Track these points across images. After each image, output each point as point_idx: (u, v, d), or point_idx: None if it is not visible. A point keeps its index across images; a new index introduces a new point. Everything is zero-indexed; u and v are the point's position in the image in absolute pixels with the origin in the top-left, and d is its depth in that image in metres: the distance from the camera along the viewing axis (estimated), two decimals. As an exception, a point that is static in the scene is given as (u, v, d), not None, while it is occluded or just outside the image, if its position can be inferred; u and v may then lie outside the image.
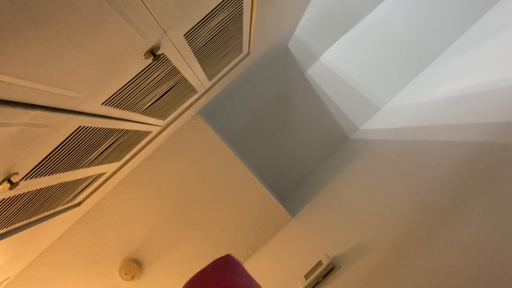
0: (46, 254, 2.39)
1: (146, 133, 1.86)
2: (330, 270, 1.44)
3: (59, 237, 2.40)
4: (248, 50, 2.04)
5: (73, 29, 0.67)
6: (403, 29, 3.26)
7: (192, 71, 1.53)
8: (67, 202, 1.75)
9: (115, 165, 1.89)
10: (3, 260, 1.66)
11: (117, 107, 1.20)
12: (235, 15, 1.35)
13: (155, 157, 2.50)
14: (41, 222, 1.56)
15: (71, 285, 2.42)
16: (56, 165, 1.18)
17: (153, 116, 1.66)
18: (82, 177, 1.56)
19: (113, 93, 1.08)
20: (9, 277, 2.14)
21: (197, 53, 1.39)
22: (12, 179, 0.98)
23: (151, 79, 1.24)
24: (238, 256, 2.56)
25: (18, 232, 1.39)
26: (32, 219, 1.47)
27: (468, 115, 1.64)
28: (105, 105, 1.11)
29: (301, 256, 1.82)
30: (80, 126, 1.08)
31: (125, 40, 0.86)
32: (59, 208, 1.70)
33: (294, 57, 3.25)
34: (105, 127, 1.26)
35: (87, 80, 0.88)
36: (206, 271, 1.01)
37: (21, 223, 1.39)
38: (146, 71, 1.14)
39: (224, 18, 1.29)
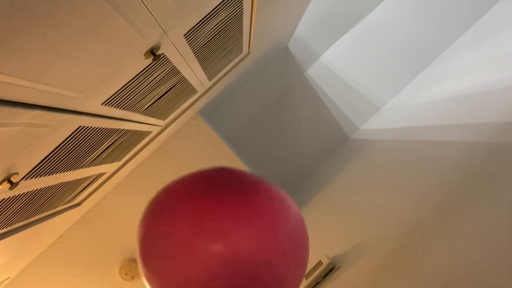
0: (46, 254, 2.39)
1: (146, 133, 1.86)
2: (330, 270, 1.44)
3: (59, 237, 2.40)
4: (248, 50, 2.04)
5: (73, 29, 0.67)
6: (403, 29, 3.26)
7: (192, 71, 1.53)
8: (67, 202, 1.75)
9: (115, 165, 1.89)
10: (3, 260, 1.66)
11: (117, 107, 1.20)
12: (235, 15, 1.35)
13: (155, 157, 2.50)
14: (41, 222, 1.56)
15: (71, 285, 2.42)
16: (56, 165, 1.18)
17: (153, 116, 1.66)
18: (82, 177, 1.56)
19: (113, 93, 1.08)
20: (9, 277, 2.14)
21: (197, 53, 1.39)
22: (12, 179, 0.98)
23: (151, 79, 1.24)
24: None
25: (18, 232, 1.39)
26: (32, 219, 1.47)
27: (468, 115, 1.64)
28: (105, 105, 1.11)
29: (301, 256, 1.81)
30: (80, 126, 1.08)
31: (125, 40, 0.86)
32: (59, 208, 1.70)
33: (294, 57, 3.25)
34: (105, 127, 1.26)
35: (87, 80, 0.88)
36: (206, 174, 0.56)
37: (21, 223, 1.39)
38: (146, 71, 1.14)
39: (224, 18, 1.29)
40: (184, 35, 1.15)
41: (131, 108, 1.32)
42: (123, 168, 2.11)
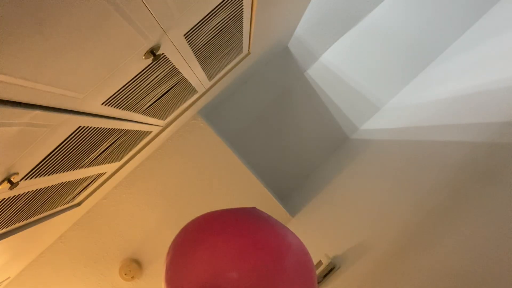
0: (46, 254, 2.39)
1: (146, 133, 1.86)
2: (330, 270, 1.44)
3: (59, 237, 2.40)
4: (248, 50, 2.04)
5: (74, 29, 0.67)
6: (403, 29, 3.26)
7: (192, 71, 1.53)
8: (67, 202, 1.75)
9: (115, 165, 1.89)
10: (3, 260, 1.66)
11: (117, 107, 1.20)
12: (235, 15, 1.35)
13: (155, 157, 2.50)
14: (41, 222, 1.56)
15: (71, 285, 2.42)
16: (56, 165, 1.18)
17: (153, 116, 1.66)
18: (82, 177, 1.56)
19: (113, 93, 1.08)
20: (9, 277, 2.14)
21: (197, 53, 1.39)
22: (12, 179, 0.98)
23: (151, 79, 1.24)
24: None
25: (18, 232, 1.39)
26: (32, 219, 1.47)
27: (468, 115, 1.64)
28: (105, 105, 1.11)
29: (301, 256, 1.81)
30: (80, 126, 1.08)
31: (125, 40, 0.86)
32: (59, 208, 1.70)
33: (294, 57, 3.25)
34: (105, 127, 1.26)
35: (87, 80, 0.88)
36: (235, 215, 0.68)
37: (21, 223, 1.39)
38: (146, 71, 1.14)
39: (224, 18, 1.29)
40: (184, 35, 1.15)
41: (131, 108, 1.32)
42: (123, 168, 2.11)
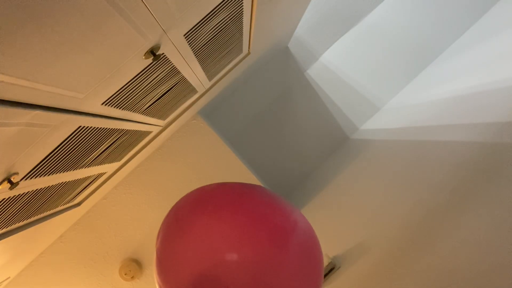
0: (46, 254, 2.39)
1: (146, 133, 1.86)
2: (330, 270, 1.44)
3: (59, 237, 2.40)
4: (248, 50, 2.04)
5: (73, 29, 0.67)
6: (403, 29, 3.26)
7: (192, 71, 1.53)
8: (67, 202, 1.75)
9: (115, 165, 1.89)
10: (3, 260, 1.66)
11: (117, 107, 1.20)
12: (235, 15, 1.35)
13: (155, 157, 2.50)
14: (41, 222, 1.56)
15: (71, 285, 2.42)
16: (56, 165, 1.18)
17: (153, 116, 1.66)
18: (82, 177, 1.56)
19: (113, 93, 1.08)
20: (9, 277, 2.14)
21: (197, 53, 1.39)
22: (12, 179, 0.98)
23: (151, 79, 1.24)
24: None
25: (18, 232, 1.39)
26: (32, 219, 1.47)
27: (468, 115, 1.64)
28: (105, 105, 1.11)
29: (301, 256, 1.81)
30: (80, 126, 1.08)
31: (125, 40, 0.86)
32: (59, 208, 1.70)
33: (294, 57, 3.25)
34: (105, 127, 1.26)
35: (87, 80, 0.88)
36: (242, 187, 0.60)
37: (21, 223, 1.39)
38: (146, 71, 1.14)
39: (224, 18, 1.29)
40: (184, 35, 1.15)
41: (131, 108, 1.32)
42: (123, 168, 2.11)
